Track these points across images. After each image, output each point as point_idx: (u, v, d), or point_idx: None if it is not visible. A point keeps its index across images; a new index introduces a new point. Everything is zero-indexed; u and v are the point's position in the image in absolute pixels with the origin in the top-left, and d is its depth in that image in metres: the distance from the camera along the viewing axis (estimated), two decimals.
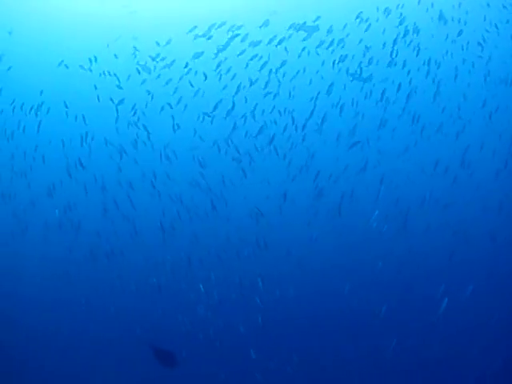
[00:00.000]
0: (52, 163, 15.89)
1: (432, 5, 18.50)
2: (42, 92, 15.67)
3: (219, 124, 18.49)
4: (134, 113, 17.26)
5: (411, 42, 18.63)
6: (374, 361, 15.31)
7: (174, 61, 17.84)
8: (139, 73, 17.33)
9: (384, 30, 18.83)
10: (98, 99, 16.53)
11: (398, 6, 18.15)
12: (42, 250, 15.88)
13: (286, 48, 18.49)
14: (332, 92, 18.82)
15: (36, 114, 15.65)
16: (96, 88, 16.47)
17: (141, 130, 17.08)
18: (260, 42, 18.11)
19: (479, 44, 18.55)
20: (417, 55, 18.58)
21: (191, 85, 18.39)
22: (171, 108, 18.18)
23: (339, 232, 17.73)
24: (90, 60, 15.96)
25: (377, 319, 15.72)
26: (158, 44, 17.31)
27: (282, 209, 18.26)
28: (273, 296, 16.78)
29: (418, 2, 18.23)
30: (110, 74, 16.50)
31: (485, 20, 18.48)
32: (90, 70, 16.23)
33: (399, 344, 15.32)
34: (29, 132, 15.94)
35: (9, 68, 15.07)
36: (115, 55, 16.64)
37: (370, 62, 18.74)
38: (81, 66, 16.04)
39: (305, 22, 18.01)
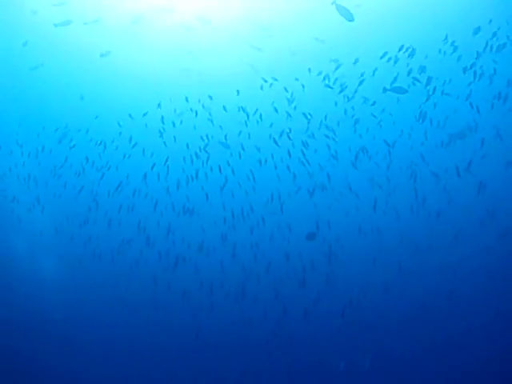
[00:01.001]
0: (124, 192, 18.66)
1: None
2: (120, 134, 18.95)
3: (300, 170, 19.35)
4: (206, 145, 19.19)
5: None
6: None
7: (239, 108, 19.58)
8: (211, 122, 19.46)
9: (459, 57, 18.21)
10: (175, 140, 19.03)
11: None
12: (107, 271, 18.21)
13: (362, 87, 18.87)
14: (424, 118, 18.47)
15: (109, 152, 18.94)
16: (162, 134, 19.08)
17: (204, 164, 18.92)
18: (345, 84, 18.83)
19: None
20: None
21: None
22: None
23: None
24: (159, 105, 18.78)
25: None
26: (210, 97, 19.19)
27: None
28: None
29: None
30: (171, 124, 19.02)
31: None
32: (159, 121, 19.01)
33: None
34: (112, 167, 19.18)
35: (96, 116, 18.73)
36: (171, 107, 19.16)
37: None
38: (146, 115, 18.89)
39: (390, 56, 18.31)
